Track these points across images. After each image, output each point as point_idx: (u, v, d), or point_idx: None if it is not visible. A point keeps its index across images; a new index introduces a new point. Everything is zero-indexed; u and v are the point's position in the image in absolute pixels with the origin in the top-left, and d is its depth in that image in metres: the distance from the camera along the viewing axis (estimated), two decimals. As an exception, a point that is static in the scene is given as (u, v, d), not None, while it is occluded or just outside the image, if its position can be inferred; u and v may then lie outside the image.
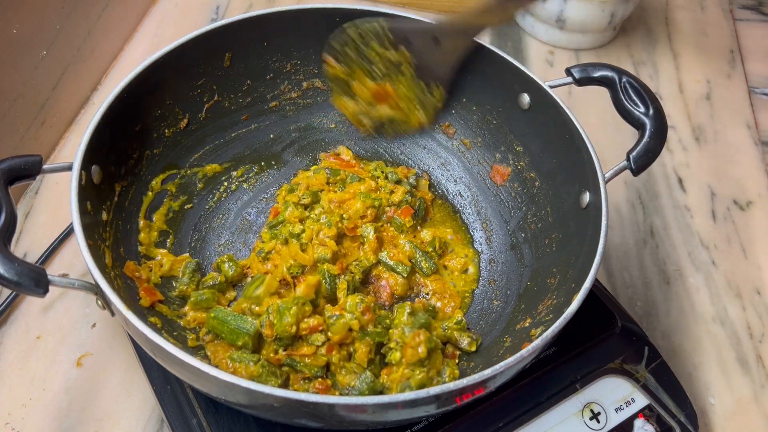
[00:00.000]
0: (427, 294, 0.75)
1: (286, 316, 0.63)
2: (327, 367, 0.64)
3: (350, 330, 0.64)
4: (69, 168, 0.60)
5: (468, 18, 0.72)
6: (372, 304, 0.67)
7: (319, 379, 0.63)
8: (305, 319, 0.64)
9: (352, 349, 0.65)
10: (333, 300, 0.69)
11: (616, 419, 0.66)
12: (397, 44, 0.76)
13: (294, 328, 0.63)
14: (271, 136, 0.85)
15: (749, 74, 1.14)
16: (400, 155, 0.87)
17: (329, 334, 0.64)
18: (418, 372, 0.62)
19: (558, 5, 1.08)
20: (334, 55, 0.79)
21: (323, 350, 0.64)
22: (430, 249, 0.77)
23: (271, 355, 0.64)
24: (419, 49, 0.75)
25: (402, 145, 0.87)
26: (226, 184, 0.81)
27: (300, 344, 0.65)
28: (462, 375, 0.52)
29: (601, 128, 1.00)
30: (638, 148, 0.66)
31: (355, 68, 0.79)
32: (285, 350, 0.64)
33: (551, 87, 0.72)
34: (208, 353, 0.65)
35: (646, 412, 0.67)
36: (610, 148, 0.97)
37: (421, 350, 0.62)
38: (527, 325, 0.66)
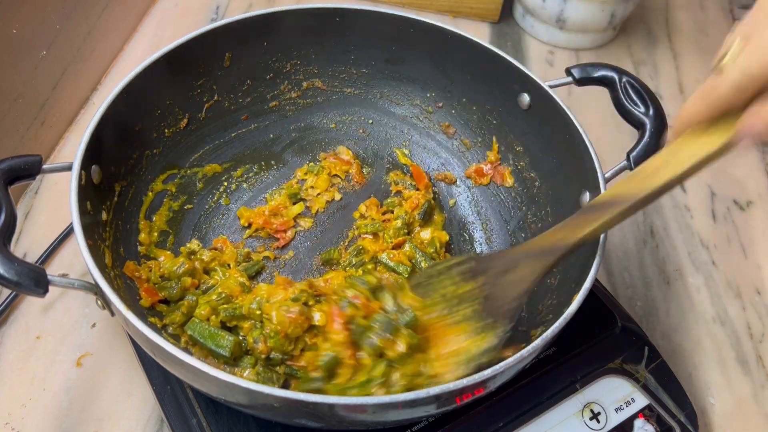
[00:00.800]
0: None
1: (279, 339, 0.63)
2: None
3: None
4: (69, 168, 0.60)
5: (547, 239, 0.59)
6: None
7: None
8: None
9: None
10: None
11: (616, 419, 0.66)
12: (468, 278, 0.63)
13: (291, 346, 0.63)
14: (271, 135, 0.85)
15: (749, 74, 1.14)
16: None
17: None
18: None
19: (558, 5, 1.08)
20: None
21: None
22: (431, 250, 0.77)
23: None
24: (490, 280, 0.61)
25: (402, 146, 0.87)
26: (226, 184, 0.81)
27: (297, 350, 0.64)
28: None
29: (601, 128, 1.00)
30: (638, 148, 0.66)
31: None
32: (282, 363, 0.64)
33: (551, 87, 0.72)
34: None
35: (646, 412, 0.67)
36: (610, 147, 0.97)
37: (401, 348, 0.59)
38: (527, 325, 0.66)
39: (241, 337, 0.65)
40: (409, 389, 0.57)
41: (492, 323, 0.59)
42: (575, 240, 0.56)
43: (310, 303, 0.65)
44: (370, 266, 0.74)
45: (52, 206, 0.86)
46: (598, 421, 0.66)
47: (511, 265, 0.60)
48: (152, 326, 0.61)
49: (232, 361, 0.64)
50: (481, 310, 0.61)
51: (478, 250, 0.79)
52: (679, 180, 0.52)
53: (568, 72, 0.72)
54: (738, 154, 1.02)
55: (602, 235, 0.60)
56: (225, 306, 0.67)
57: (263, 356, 0.63)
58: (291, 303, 0.64)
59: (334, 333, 0.61)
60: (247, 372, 0.63)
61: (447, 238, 0.78)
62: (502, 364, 0.52)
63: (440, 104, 0.84)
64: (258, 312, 0.65)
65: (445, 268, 0.64)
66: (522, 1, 1.14)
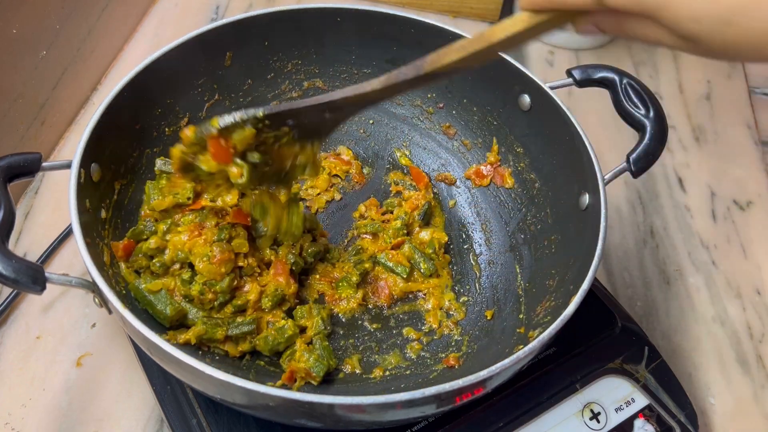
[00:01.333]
0: (425, 294, 0.75)
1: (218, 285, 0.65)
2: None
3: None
4: (68, 166, 0.60)
5: (372, 92, 0.60)
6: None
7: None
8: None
9: None
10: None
11: (616, 419, 0.66)
12: (277, 127, 0.63)
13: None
14: (271, 135, 0.85)
15: (749, 74, 1.14)
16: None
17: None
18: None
19: (558, 5, 1.08)
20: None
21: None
22: (430, 250, 0.77)
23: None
24: (301, 123, 0.63)
25: (402, 147, 0.87)
26: (226, 183, 0.81)
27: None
28: (460, 375, 0.52)
29: (601, 129, 1.00)
30: (638, 150, 0.66)
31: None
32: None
33: (552, 88, 0.72)
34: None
35: (646, 412, 0.67)
36: (610, 149, 0.97)
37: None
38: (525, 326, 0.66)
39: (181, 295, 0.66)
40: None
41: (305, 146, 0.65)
42: (383, 100, 0.61)
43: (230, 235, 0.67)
44: (368, 265, 0.74)
45: (53, 206, 0.86)
46: (598, 421, 0.66)
47: (332, 108, 0.62)
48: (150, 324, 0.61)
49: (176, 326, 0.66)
50: (295, 139, 0.64)
51: (478, 251, 0.79)
52: (508, 43, 0.53)
53: (569, 73, 0.72)
54: (738, 154, 1.02)
55: (600, 238, 0.60)
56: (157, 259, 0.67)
57: (214, 302, 0.65)
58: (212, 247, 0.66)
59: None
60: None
61: (446, 239, 0.78)
62: (499, 365, 0.52)
63: (441, 105, 0.84)
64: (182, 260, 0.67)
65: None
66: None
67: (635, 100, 0.68)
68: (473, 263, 0.78)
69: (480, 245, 0.80)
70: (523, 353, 0.53)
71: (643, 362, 0.70)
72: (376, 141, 0.87)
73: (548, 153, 0.74)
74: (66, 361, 0.73)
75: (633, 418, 0.67)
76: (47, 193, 0.87)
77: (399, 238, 0.76)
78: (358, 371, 0.68)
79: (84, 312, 0.77)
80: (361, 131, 0.87)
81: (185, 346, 0.65)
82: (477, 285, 0.76)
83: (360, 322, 0.73)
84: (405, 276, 0.74)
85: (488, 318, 0.72)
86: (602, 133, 1.00)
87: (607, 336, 0.72)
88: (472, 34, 0.75)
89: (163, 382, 0.67)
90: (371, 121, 0.87)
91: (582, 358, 0.70)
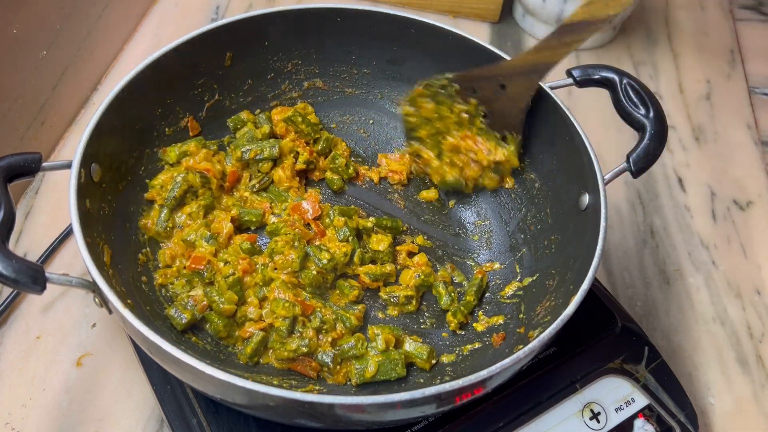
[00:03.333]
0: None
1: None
2: None
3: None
4: (68, 166, 0.60)
5: (529, 58, 0.70)
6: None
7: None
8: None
9: None
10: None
11: (616, 419, 0.66)
12: (465, 96, 0.74)
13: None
14: (272, 135, 0.85)
15: (749, 74, 1.14)
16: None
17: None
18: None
19: (558, 5, 1.08)
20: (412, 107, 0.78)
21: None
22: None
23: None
24: (487, 97, 0.73)
25: (402, 147, 0.87)
26: (226, 183, 0.81)
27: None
28: (460, 375, 0.52)
29: (600, 129, 1.00)
30: (638, 150, 0.66)
31: (434, 125, 0.78)
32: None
33: (552, 88, 0.72)
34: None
35: (646, 412, 0.67)
36: (610, 149, 0.97)
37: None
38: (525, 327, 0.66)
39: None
40: None
41: (502, 138, 0.75)
42: (558, 59, 0.68)
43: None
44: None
45: (53, 206, 0.86)
46: (598, 421, 0.66)
47: (504, 80, 0.71)
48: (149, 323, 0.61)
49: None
50: (487, 127, 0.75)
51: (477, 251, 0.79)
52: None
53: (569, 73, 0.72)
54: (738, 154, 1.02)
55: (600, 239, 0.60)
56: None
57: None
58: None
59: None
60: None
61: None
62: (498, 365, 0.52)
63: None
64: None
65: (433, 93, 0.76)
66: (522, 1, 1.14)
67: (635, 100, 0.68)
68: (473, 263, 0.78)
69: (480, 245, 0.80)
70: (523, 353, 0.53)
71: (643, 362, 0.70)
72: (376, 141, 0.87)
73: (548, 153, 0.74)
74: (66, 361, 0.73)
75: (633, 418, 0.67)
76: (47, 193, 0.87)
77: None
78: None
79: (84, 312, 0.77)
80: (362, 131, 0.87)
81: (185, 347, 0.65)
82: (477, 285, 0.76)
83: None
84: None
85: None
86: (602, 133, 1.00)
87: (607, 336, 0.72)
88: (471, 33, 0.76)
89: (163, 382, 0.67)
90: (371, 121, 0.87)
91: (582, 358, 0.70)
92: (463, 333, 0.72)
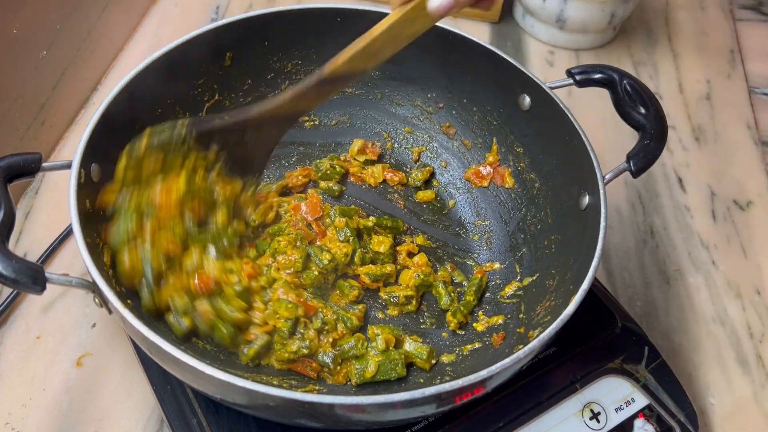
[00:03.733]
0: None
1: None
2: None
3: None
4: (68, 166, 0.60)
5: (284, 106, 0.65)
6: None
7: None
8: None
9: None
10: None
11: (616, 419, 0.66)
12: (205, 144, 0.66)
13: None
14: (272, 135, 0.85)
15: (749, 74, 1.14)
16: (404, 157, 0.87)
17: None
18: None
19: (558, 5, 1.08)
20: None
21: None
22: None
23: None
24: (229, 144, 0.67)
25: (402, 147, 0.87)
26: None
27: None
28: (460, 375, 0.52)
29: (600, 129, 1.00)
30: (638, 150, 0.66)
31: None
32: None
33: (552, 88, 0.72)
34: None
35: (646, 412, 0.67)
36: (610, 149, 0.97)
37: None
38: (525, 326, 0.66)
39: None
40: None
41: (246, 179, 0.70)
42: (312, 107, 0.68)
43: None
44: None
45: (53, 206, 0.86)
46: (598, 421, 0.66)
47: (252, 130, 0.67)
48: (150, 324, 0.61)
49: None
50: (228, 170, 0.68)
51: (477, 251, 0.79)
52: (381, 48, 0.61)
53: (569, 73, 0.72)
54: (738, 154, 1.02)
55: (600, 239, 0.60)
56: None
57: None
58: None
59: None
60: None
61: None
62: (498, 365, 0.52)
63: (441, 105, 0.84)
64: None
65: (165, 143, 0.65)
66: (522, 1, 1.14)
67: (635, 100, 0.68)
68: (473, 263, 0.78)
69: (480, 245, 0.80)
70: (523, 353, 0.53)
71: (643, 362, 0.70)
72: (376, 141, 0.87)
73: (548, 153, 0.74)
74: (66, 361, 0.73)
75: (633, 418, 0.67)
76: (47, 193, 0.87)
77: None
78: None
79: (84, 312, 0.77)
80: (362, 131, 0.87)
81: (185, 347, 0.65)
82: (477, 285, 0.76)
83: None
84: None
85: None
86: (601, 133, 1.00)
87: (607, 336, 0.72)
88: (472, 33, 0.76)
89: (163, 382, 0.67)
90: (371, 121, 0.87)
91: (582, 358, 0.70)
92: (463, 333, 0.72)
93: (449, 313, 0.72)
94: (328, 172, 0.82)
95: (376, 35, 0.59)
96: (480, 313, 0.73)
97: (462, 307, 0.72)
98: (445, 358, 0.69)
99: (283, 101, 0.65)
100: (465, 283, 0.76)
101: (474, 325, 0.72)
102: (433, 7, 0.56)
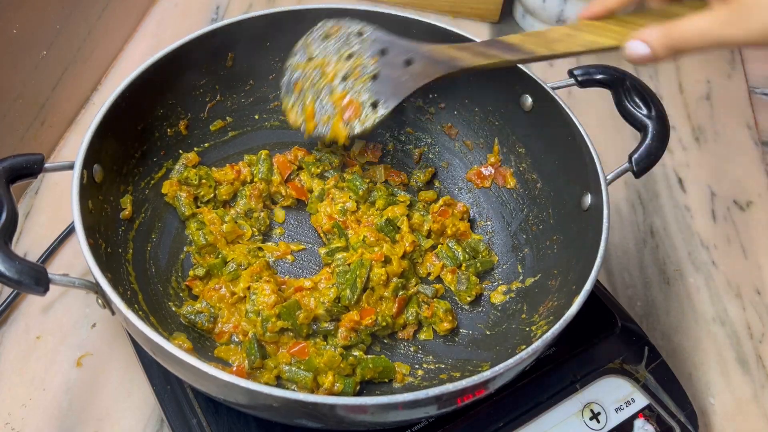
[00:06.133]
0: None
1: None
2: None
3: None
4: (70, 167, 0.60)
5: (449, 51, 0.67)
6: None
7: None
8: None
9: None
10: None
11: (616, 419, 0.66)
12: (373, 51, 0.70)
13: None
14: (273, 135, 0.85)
15: (749, 74, 1.14)
16: (404, 158, 0.87)
17: None
18: None
19: (558, 5, 1.08)
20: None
21: None
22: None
23: None
24: (390, 62, 0.69)
25: (402, 148, 0.87)
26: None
27: None
28: (463, 376, 0.52)
29: (601, 129, 1.00)
30: (640, 150, 0.66)
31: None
32: None
33: (553, 88, 0.72)
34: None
35: (646, 412, 0.67)
36: (611, 149, 0.97)
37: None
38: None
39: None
40: None
41: (377, 102, 0.69)
42: (472, 65, 0.65)
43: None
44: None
45: (53, 206, 0.86)
46: (598, 421, 0.66)
47: (411, 56, 0.68)
48: (152, 326, 0.61)
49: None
50: (370, 87, 0.69)
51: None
52: (570, 55, 0.64)
53: (571, 73, 0.72)
54: (738, 154, 1.02)
55: (603, 238, 0.60)
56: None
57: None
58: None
59: None
60: None
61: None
62: (502, 365, 0.52)
63: (442, 105, 0.84)
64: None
65: (353, 34, 0.71)
66: (522, 1, 1.14)
67: (637, 100, 0.68)
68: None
69: (482, 245, 0.80)
70: (526, 353, 0.53)
71: (643, 362, 0.70)
72: (380, 141, 0.87)
73: (550, 153, 0.74)
74: (66, 361, 0.73)
75: (633, 418, 0.67)
76: (47, 193, 0.87)
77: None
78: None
79: (84, 312, 0.77)
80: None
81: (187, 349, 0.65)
82: (478, 285, 0.76)
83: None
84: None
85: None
86: (601, 133, 1.00)
87: (607, 336, 0.72)
88: (472, 33, 0.76)
89: (163, 382, 0.67)
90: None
91: (582, 358, 0.70)
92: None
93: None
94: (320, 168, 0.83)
95: (549, 53, 0.63)
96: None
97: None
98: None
99: (451, 47, 0.67)
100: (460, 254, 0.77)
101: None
102: (630, 55, 0.58)
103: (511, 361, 0.52)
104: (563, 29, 0.62)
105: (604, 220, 0.61)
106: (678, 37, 0.53)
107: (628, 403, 0.68)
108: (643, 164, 0.65)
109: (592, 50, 0.61)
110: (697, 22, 0.52)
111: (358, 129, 0.68)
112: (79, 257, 0.81)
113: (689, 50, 0.54)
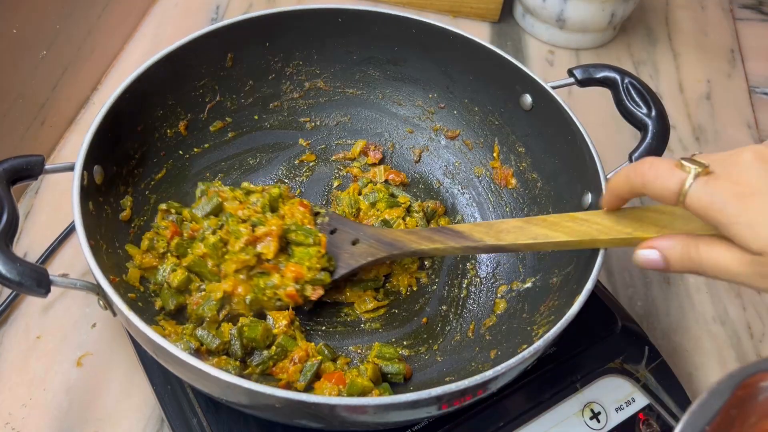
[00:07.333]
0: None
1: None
2: None
3: None
4: (71, 168, 0.60)
5: (397, 234, 0.68)
6: None
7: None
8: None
9: None
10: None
11: (616, 419, 0.66)
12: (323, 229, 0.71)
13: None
14: (273, 136, 0.85)
15: (749, 74, 1.14)
16: (405, 158, 0.87)
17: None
18: None
19: (558, 5, 1.08)
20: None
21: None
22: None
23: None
24: (335, 242, 0.70)
25: (403, 147, 0.87)
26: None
27: None
28: (466, 375, 0.52)
29: (601, 128, 1.00)
30: (640, 150, 0.66)
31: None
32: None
33: (553, 88, 0.72)
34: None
35: (647, 412, 0.67)
36: (611, 148, 0.97)
37: None
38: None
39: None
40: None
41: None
42: (417, 249, 0.66)
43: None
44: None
45: (53, 206, 0.86)
46: (599, 421, 0.66)
47: (357, 237, 0.70)
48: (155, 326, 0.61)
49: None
50: (317, 262, 0.68)
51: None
52: (520, 248, 0.62)
53: (570, 73, 0.72)
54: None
55: None
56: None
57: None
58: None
59: None
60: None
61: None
62: (503, 365, 0.52)
63: (442, 105, 0.84)
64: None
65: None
66: (522, 1, 1.14)
67: (637, 99, 0.69)
68: (474, 261, 0.78)
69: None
70: (527, 353, 0.53)
71: (643, 362, 0.70)
72: (377, 141, 0.87)
73: (550, 153, 0.74)
74: (66, 361, 0.73)
75: (633, 417, 0.67)
76: (47, 193, 0.87)
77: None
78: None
79: (84, 312, 0.77)
80: (363, 132, 0.87)
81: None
82: (478, 285, 0.76)
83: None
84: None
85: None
86: (601, 132, 1.00)
87: (607, 336, 0.72)
88: (472, 33, 0.76)
89: (164, 382, 0.67)
90: (373, 122, 0.87)
91: (582, 358, 0.70)
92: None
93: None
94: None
95: (497, 245, 0.62)
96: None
97: None
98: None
99: (400, 231, 0.69)
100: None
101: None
102: (639, 261, 0.54)
103: (513, 360, 0.52)
104: (515, 221, 0.62)
105: (605, 220, 0.61)
106: (698, 263, 0.50)
107: (628, 403, 0.68)
108: (643, 163, 0.65)
109: (543, 243, 0.60)
110: (722, 258, 0.48)
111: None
112: (79, 257, 0.81)
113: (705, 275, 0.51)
